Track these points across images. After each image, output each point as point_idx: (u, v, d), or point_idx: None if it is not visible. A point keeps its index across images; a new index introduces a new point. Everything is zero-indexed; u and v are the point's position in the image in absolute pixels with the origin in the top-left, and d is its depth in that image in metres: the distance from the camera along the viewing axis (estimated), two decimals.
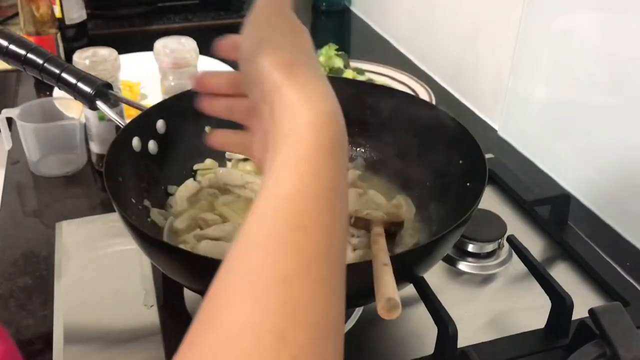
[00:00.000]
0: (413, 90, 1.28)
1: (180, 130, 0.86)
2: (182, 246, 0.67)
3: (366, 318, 0.76)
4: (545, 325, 0.74)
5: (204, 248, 0.71)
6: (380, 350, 0.72)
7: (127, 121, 0.81)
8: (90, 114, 0.98)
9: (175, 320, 0.71)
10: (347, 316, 0.76)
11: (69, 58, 1.04)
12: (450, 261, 0.86)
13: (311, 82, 0.47)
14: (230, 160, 0.91)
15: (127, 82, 1.26)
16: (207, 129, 0.90)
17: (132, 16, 1.72)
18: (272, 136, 0.46)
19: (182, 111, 0.87)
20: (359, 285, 0.59)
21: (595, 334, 0.64)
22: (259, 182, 0.82)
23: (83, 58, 0.98)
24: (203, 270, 0.58)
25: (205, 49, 1.23)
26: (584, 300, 0.79)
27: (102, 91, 0.86)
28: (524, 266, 0.79)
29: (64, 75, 0.85)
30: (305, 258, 0.38)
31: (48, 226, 0.91)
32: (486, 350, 0.71)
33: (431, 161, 0.85)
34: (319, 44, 1.33)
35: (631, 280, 0.83)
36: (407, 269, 0.64)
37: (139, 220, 0.74)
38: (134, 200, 0.76)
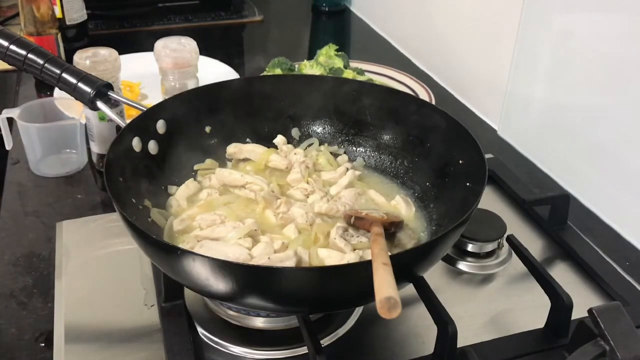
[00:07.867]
0: (413, 90, 1.28)
1: (180, 130, 0.87)
2: (182, 246, 0.67)
3: (366, 318, 0.76)
4: (545, 325, 0.74)
5: (204, 248, 0.71)
6: (380, 350, 0.72)
7: (128, 121, 0.81)
8: (91, 114, 0.98)
9: (175, 320, 0.71)
10: (347, 316, 0.76)
11: (69, 58, 1.04)
12: (450, 261, 0.86)
13: None
14: (230, 160, 0.91)
15: (128, 82, 1.26)
16: (207, 129, 0.90)
17: (132, 16, 1.72)
18: None
19: (182, 111, 0.87)
20: (359, 285, 0.59)
21: (594, 334, 0.64)
22: (259, 182, 0.83)
23: (83, 58, 0.98)
24: (203, 271, 0.59)
25: (205, 49, 1.24)
26: (584, 300, 0.79)
27: (102, 91, 0.86)
28: (523, 266, 0.79)
29: (65, 75, 0.85)
30: None
31: (48, 226, 0.92)
32: (486, 350, 0.71)
33: (431, 161, 0.85)
34: (319, 44, 1.33)
35: (631, 280, 0.83)
36: (407, 268, 0.64)
37: (139, 220, 0.74)
38: (134, 200, 0.76)
